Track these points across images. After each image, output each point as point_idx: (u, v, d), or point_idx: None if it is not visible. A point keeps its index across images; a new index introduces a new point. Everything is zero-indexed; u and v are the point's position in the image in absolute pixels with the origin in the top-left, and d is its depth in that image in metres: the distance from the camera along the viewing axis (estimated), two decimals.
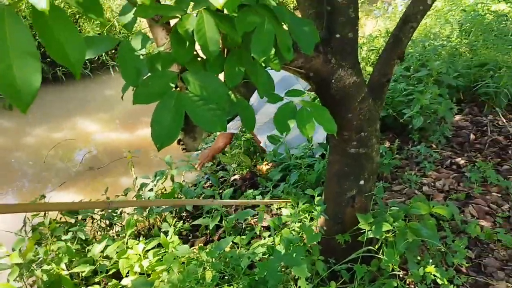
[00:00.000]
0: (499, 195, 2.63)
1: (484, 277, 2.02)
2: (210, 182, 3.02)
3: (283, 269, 1.76)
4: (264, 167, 3.05)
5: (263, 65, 1.14)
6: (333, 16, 1.62)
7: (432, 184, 2.75)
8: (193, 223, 2.40)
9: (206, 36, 0.92)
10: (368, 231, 1.74)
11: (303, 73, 1.64)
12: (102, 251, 2.03)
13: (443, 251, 1.94)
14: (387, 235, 1.72)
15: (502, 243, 2.22)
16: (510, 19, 6.95)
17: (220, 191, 2.84)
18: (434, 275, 1.49)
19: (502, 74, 3.66)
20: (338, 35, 1.64)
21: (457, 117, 3.66)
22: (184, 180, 3.05)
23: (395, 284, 1.58)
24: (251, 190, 2.61)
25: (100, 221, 2.50)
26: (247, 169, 3.04)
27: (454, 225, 2.32)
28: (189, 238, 2.50)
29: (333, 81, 1.67)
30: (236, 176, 3.04)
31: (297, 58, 1.53)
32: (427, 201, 1.76)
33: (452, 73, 3.68)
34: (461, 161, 2.99)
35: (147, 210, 2.50)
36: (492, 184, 2.71)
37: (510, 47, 4.78)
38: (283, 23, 1.10)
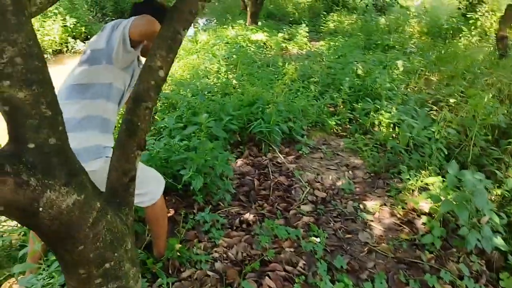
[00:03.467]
0: (292, 250, 2.46)
1: None
2: None
3: None
4: None
5: None
6: (15, 119, 1.07)
7: (225, 255, 2.42)
8: None
9: None
10: None
11: None
12: None
13: None
14: None
15: None
16: (268, 47, 7.50)
17: None
18: None
19: (270, 111, 3.66)
20: (32, 145, 1.09)
21: (239, 162, 3.49)
22: None
23: None
24: None
25: None
26: None
27: None
28: None
29: (41, 209, 1.11)
30: None
31: None
32: None
33: (224, 117, 3.50)
34: (249, 216, 2.76)
35: None
36: (283, 238, 2.53)
37: (272, 78, 4.98)
38: None
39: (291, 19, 11.98)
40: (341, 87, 4.81)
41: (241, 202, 2.97)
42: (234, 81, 5.03)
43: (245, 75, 5.16)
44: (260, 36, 7.56)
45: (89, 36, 9.05)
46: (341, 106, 4.67)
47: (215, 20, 11.86)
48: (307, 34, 8.67)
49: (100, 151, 1.89)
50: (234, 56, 5.99)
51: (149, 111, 1.42)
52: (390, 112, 4.00)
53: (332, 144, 4.01)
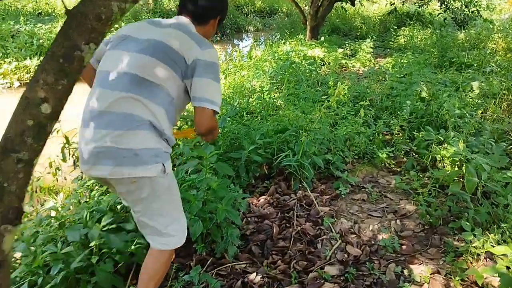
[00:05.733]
0: None
1: None
2: None
3: None
4: None
5: None
6: None
7: None
8: None
9: None
10: None
11: None
12: None
13: None
14: None
15: None
16: (326, 64, 6.88)
17: None
18: None
19: (302, 141, 3.07)
20: None
21: (261, 200, 2.94)
22: None
23: None
24: None
25: None
26: None
27: None
28: None
29: None
30: None
31: None
32: None
33: (247, 146, 2.98)
34: (256, 278, 2.20)
35: None
36: None
37: (319, 100, 4.40)
38: None
39: (358, 34, 11.23)
40: (399, 112, 4.09)
41: (252, 255, 2.41)
42: (280, 102, 4.50)
43: (289, 95, 4.61)
44: (317, 52, 6.96)
45: None
46: (399, 135, 3.96)
47: (278, 36, 11.47)
48: (372, 50, 7.91)
49: (159, 154, 1.60)
50: (281, 74, 5.47)
51: (23, 165, 0.94)
52: (455, 146, 3.24)
53: (380, 182, 3.32)
